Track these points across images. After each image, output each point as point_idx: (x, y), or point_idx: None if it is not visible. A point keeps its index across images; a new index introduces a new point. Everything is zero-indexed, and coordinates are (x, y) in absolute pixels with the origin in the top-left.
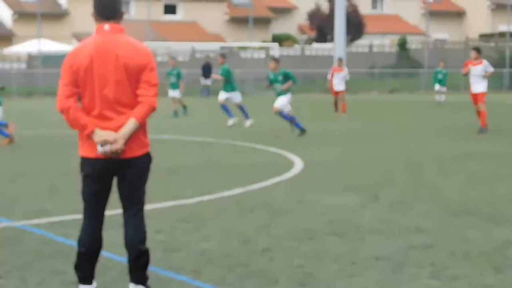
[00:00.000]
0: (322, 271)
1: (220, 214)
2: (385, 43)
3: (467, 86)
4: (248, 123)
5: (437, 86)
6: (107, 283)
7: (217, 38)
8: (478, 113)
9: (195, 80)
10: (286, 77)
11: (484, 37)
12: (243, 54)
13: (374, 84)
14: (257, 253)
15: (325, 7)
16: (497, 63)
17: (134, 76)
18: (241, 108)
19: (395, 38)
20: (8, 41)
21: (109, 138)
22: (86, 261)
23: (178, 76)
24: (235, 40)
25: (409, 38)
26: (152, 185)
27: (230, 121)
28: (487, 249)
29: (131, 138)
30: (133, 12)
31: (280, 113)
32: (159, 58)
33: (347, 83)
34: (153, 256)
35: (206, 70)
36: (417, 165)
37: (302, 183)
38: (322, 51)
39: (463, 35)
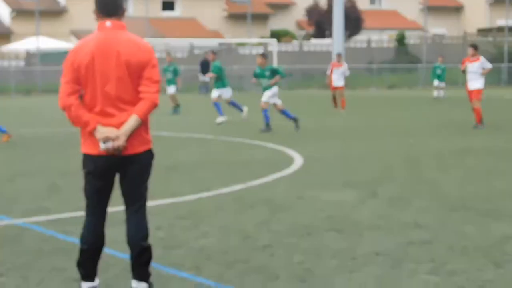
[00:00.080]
0: (322, 267)
1: (219, 211)
2: (383, 39)
3: (465, 81)
4: (244, 114)
5: (435, 82)
6: (109, 280)
7: (216, 34)
8: (474, 109)
9: (193, 77)
10: (274, 72)
11: (482, 31)
12: (242, 51)
13: (372, 79)
14: (257, 249)
15: (323, 2)
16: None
17: (135, 72)
18: (232, 103)
19: (393, 34)
20: (7, 38)
21: (111, 135)
22: (89, 258)
23: (175, 72)
24: (233, 36)
25: (407, 33)
26: (150, 182)
27: (219, 119)
28: (485, 244)
29: (133, 135)
30: (131, 9)
31: (282, 112)
32: (157, 55)
33: (346, 78)
34: (153, 253)
35: (205, 67)
36: (415, 161)
37: (302, 179)
38: (320, 46)
39: (461, 30)
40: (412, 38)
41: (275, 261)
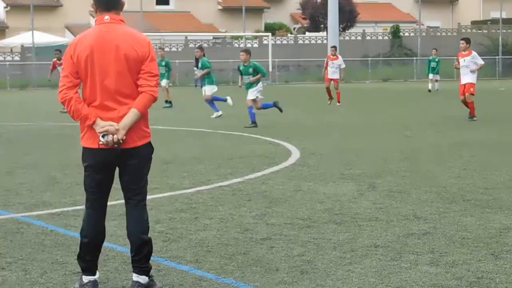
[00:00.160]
0: (322, 259)
1: (217, 204)
2: (378, 31)
3: (459, 74)
4: (229, 101)
5: (430, 75)
6: (109, 273)
7: (210, 28)
8: (464, 103)
9: (188, 71)
10: (256, 70)
11: (476, 24)
12: (236, 44)
13: (367, 72)
14: (257, 242)
15: None
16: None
17: (134, 66)
18: (212, 101)
19: (388, 26)
20: (1, 33)
21: (111, 129)
22: (89, 251)
23: (167, 66)
24: (228, 30)
25: (402, 26)
26: (149, 175)
27: (216, 114)
28: (484, 235)
29: (133, 128)
30: (126, 3)
31: (262, 109)
32: None
33: (342, 72)
34: (153, 246)
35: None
36: (413, 154)
37: (299, 172)
38: (315, 40)
39: (455, 23)
40: (406, 31)
41: (275, 254)
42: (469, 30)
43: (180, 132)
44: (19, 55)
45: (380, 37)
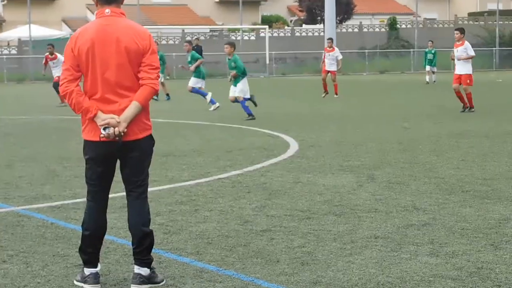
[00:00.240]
0: (322, 251)
1: (217, 196)
2: (375, 24)
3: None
4: (208, 97)
5: (427, 67)
6: (110, 265)
7: (207, 21)
8: (457, 94)
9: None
10: (236, 65)
11: (473, 15)
12: (233, 37)
13: (364, 64)
14: (257, 234)
15: None
16: (487, 42)
17: (135, 59)
18: (194, 90)
19: (385, 18)
20: None
21: (112, 121)
22: (91, 243)
23: (162, 60)
24: (225, 22)
25: (399, 18)
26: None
27: (213, 106)
28: (484, 226)
29: (134, 121)
30: None
31: (236, 101)
32: None
33: (340, 64)
34: (154, 238)
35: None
36: (411, 145)
37: (298, 164)
38: (312, 32)
39: (452, 15)
40: (403, 22)
41: (275, 245)
42: (466, 22)
43: (178, 124)
44: (16, 49)
45: (377, 29)
